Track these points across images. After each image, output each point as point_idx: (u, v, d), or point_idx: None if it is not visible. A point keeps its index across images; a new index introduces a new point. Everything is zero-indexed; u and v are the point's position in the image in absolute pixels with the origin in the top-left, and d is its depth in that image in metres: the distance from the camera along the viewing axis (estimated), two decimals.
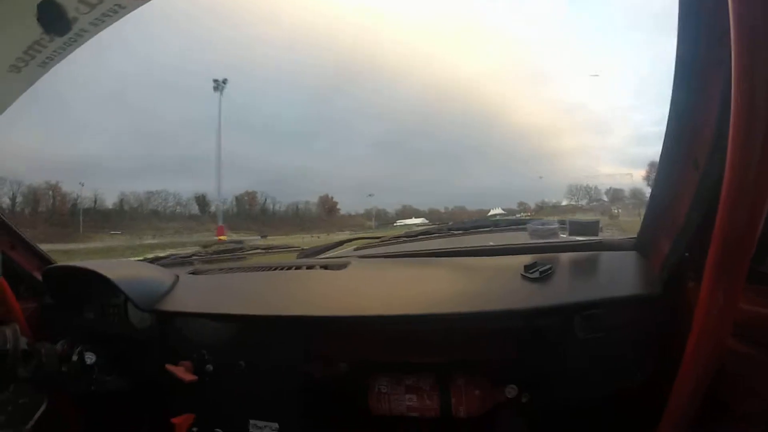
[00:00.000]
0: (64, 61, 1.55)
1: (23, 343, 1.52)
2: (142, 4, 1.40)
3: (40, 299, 1.96)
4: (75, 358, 1.60)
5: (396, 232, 2.30)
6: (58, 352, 1.61)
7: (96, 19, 1.40)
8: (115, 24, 1.42)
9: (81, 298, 1.85)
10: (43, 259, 1.99)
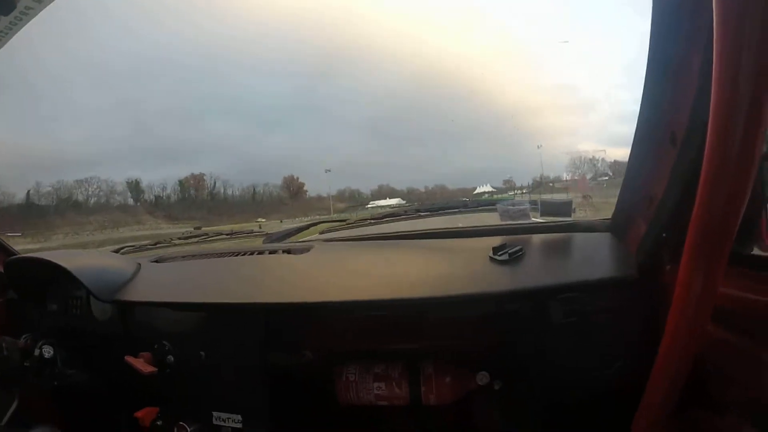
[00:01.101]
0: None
1: None
2: None
3: (4, 293, 1.90)
4: (37, 352, 1.55)
5: (366, 215, 2.24)
6: (20, 346, 1.56)
7: None
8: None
9: (44, 291, 1.80)
10: (5, 251, 1.91)
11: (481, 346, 1.41)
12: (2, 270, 1.83)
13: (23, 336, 1.59)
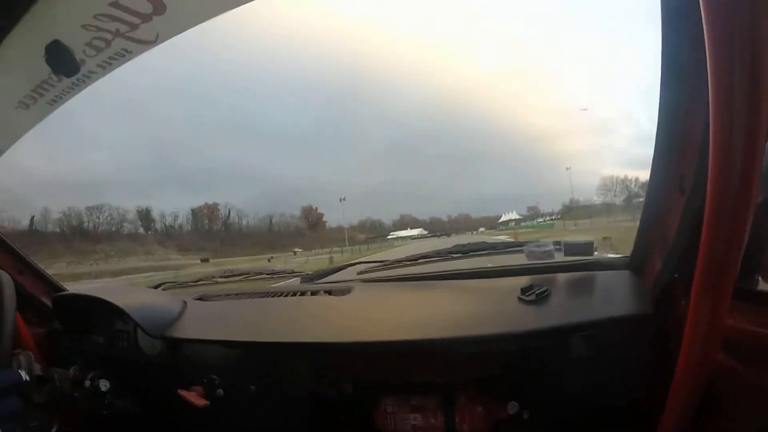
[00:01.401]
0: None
1: (37, 369, 1.52)
2: (148, 49, 1.44)
3: (49, 324, 1.98)
4: (87, 383, 1.61)
5: (393, 249, 2.31)
6: (70, 377, 1.62)
7: (103, 62, 1.45)
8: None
9: (89, 324, 1.87)
10: (50, 285, 2.01)
11: (511, 378, 1.46)
12: (47, 302, 1.92)
13: (72, 367, 1.65)
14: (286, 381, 1.50)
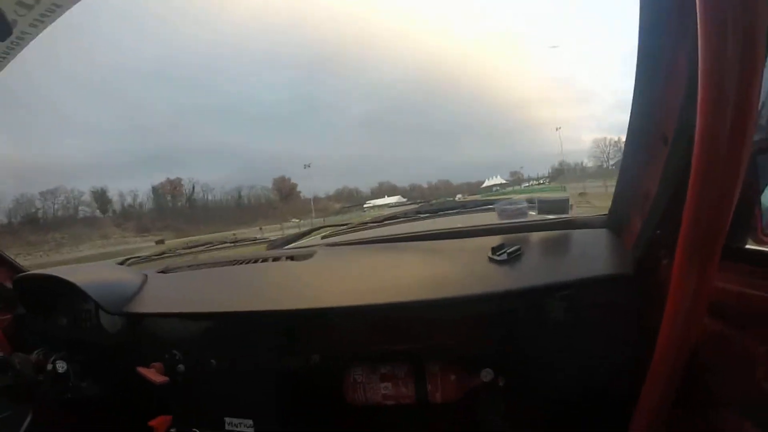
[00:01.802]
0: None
1: None
2: (76, 2, 1.35)
3: (14, 309, 1.93)
4: (50, 367, 1.57)
5: (367, 218, 2.26)
6: (33, 361, 1.58)
7: (35, 20, 1.39)
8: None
9: (53, 306, 1.81)
10: (13, 268, 1.93)
11: (485, 344, 1.42)
12: (10, 286, 1.84)
13: (35, 351, 1.61)
14: (249, 353, 1.45)
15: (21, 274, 1.80)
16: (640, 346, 1.00)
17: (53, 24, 1.41)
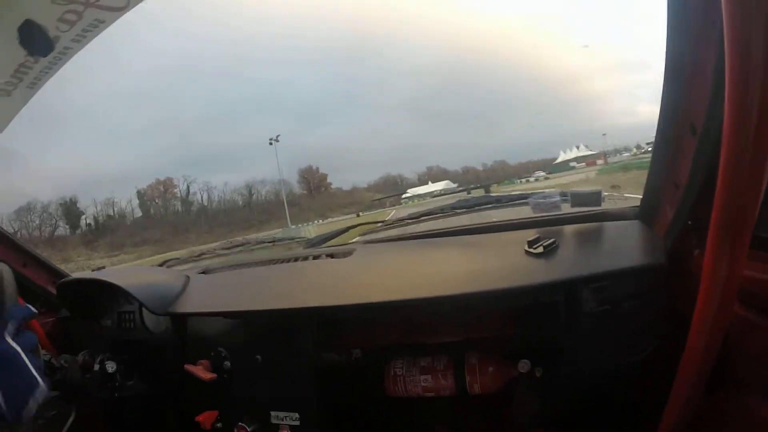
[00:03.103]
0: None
1: (45, 357, 1.50)
2: (120, 17, 1.40)
3: (57, 313, 1.99)
4: (96, 367, 1.61)
5: (403, 215, 2.27)
6: (79, 363, 1.62)
7: (77, 35, 1.42)
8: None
9: (96, 308, 1.87)
10: (56, 273, 2.01)
11: (522, 336, 1.45)
12: (53, 291, 1.91)
13: (81, 353, 1.65)
14: (293, 349, 1.48)
15: (64, 279, 1.86)
16: (673, 333, 1.01)
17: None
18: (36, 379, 1.05)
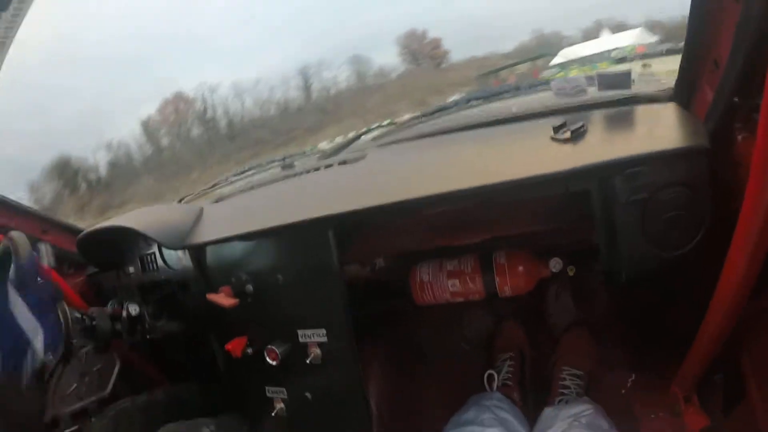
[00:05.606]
0: None
1: (77, 314, 1.51)
2: None
3: (85, 270, 2.03)
4: (125, 314, 1.63)
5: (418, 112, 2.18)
6: (108, 312, 1.63)
7: None
8: None
9: (119, 257, 1.89)
10: (77, 233, 2.00)
11: (552, 233, 1.41)
12: (74, 251, 1.92)
13: (110, 302, 1.68)
14: (314, 263, 1.45)
15: (81, 235, 1.85)
16: (719, 226, 0.94)
17: None
18: (25, 335, 1.06)
